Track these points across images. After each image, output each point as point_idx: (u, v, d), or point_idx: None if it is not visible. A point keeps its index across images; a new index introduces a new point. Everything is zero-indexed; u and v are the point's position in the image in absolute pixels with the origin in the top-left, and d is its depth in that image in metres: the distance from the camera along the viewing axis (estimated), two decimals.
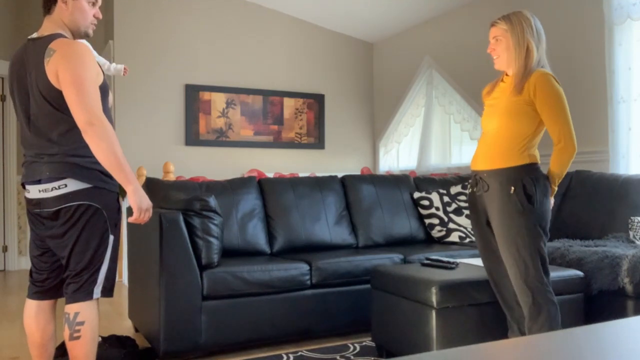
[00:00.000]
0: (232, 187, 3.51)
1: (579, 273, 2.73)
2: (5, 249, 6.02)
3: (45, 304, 2.20)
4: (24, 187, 2.12)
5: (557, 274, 2.67)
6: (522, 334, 2.47)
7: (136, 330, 3.37)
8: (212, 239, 2.89)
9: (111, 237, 2.12)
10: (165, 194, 3.29)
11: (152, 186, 3.35)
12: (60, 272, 2.17)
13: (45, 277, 2.18)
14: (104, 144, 1.95)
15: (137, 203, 2.03)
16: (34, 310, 2.19)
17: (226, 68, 6.03)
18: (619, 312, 2.76)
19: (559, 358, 0.81)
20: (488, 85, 2.52)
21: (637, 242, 3.03)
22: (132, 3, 5.62)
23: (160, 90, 5.72)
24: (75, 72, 1.95)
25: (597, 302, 2.82)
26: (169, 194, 3.29)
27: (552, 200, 2.36)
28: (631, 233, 3.07)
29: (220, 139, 5.95)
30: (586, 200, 3.49)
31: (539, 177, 2.29)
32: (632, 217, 3.10)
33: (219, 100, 5.96)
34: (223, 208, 3.34)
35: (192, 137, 5.82)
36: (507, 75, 2.44)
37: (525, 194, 2.25)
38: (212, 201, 2.98)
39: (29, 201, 2.10)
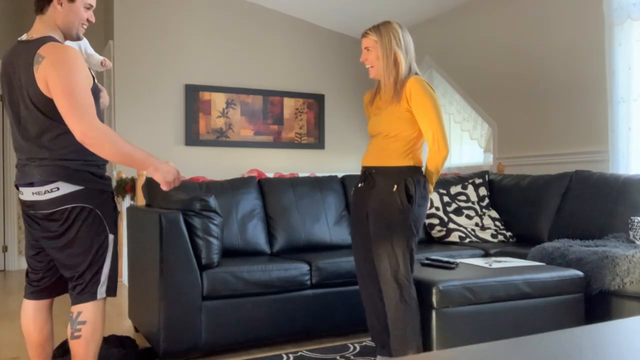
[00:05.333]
0: (232, 187, 3.51)
1: (579, 273, 2.73)
2: (5, 249, 6.02)
3: (42, 303, 2.20)
4: (17, 189, 2.12)
5: (557, 274, 2.67)
6: (382, 326, 2.54)
7: (136, 330, 3.37)
8: (212, 239, 2.89)
9: (110, 237, 2.12)
10: (165, 194, 3.29)
11: (152, 186, 3.35)
12: (56, 271, 2.17)
13: (41, 277, 2.18)
14: (105, 148, 1.94)
15: (162, 179, 2.03)
16: (31, 310, 2.19)
17: (226, 68, 6.02)
18: (619, 312, 2.76)
19: (559, 358, 0.81)
20: (368, 93, 2.64)
21: (637, 242, 3.03)
22: (132, 3, 5.61)
23: (160, 90, 5.72)
24: (66, 81, 1.91)
25: (597, 302, 2.82)
26: (169, 194, 3.28)
27: (429, 203, 2.50)
28: (631, 233, 3.07)
29: (220, 139, 5.95)
30: (586, 200, 3.49)
31: (420, 180, 2.42)
32: (632, 217, 3.10)
33: (219, 100, 5.96)
34: (223, 208, 3.34)
35: (192, 137, 5.82)
36: (383, 85, 2.53)
37: (406, 194, 2.37)
38: (212, 201, 2.98)
39: (23, 203, 2.09)
